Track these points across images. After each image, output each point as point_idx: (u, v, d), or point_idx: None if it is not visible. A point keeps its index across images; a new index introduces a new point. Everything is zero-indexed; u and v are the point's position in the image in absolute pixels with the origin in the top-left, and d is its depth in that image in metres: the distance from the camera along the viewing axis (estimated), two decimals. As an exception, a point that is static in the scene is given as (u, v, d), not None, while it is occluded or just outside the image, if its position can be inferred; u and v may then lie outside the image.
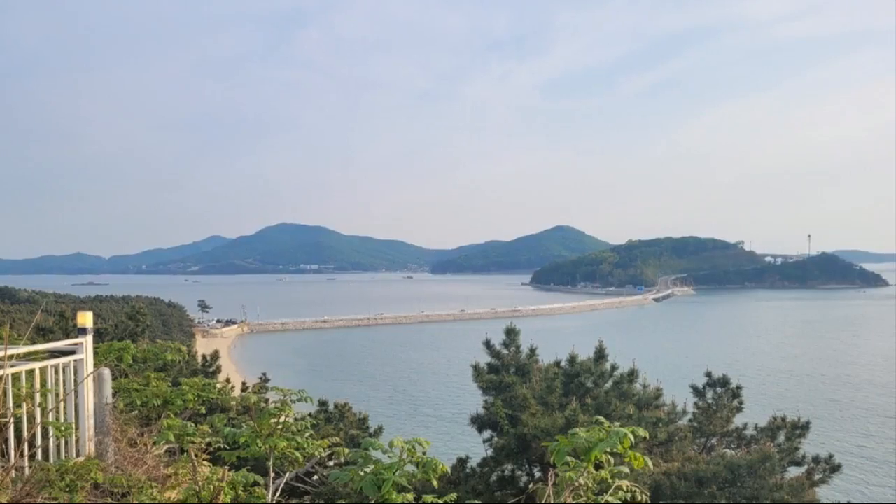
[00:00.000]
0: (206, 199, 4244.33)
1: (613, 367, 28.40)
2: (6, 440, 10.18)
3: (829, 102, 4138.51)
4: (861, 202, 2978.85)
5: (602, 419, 8.62)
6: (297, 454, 11.04)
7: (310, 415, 29.81)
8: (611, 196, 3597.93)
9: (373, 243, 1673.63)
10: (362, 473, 8.50)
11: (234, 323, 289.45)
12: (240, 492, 9.87)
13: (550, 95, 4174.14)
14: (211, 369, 41.66)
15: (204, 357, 43.59)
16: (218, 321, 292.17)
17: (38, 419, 10.81)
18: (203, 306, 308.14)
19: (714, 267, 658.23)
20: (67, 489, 9.31)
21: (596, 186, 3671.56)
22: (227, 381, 39.05)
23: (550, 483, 8.49)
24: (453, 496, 9.05)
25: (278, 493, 11.98)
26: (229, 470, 10.13)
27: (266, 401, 14.52)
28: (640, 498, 8.40)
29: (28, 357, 11.33)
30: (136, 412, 15.11)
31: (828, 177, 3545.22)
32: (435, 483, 8.87)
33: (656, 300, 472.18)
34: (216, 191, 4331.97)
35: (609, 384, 27.98)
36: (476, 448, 28.50)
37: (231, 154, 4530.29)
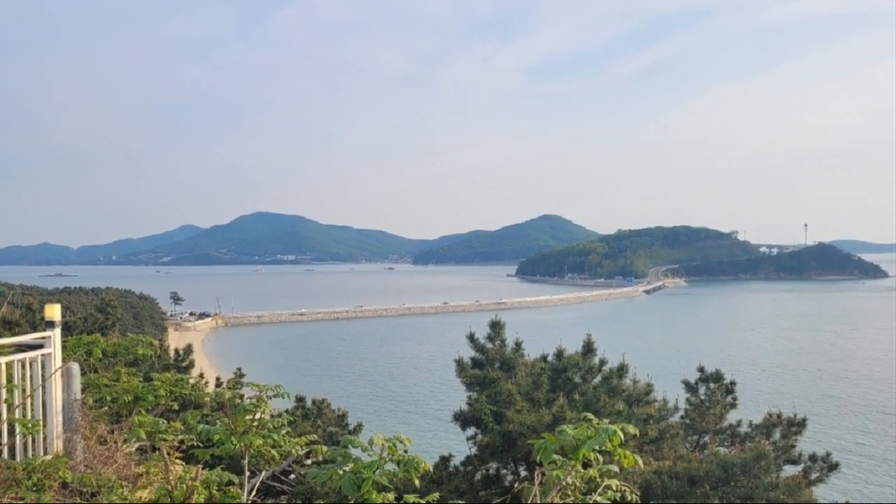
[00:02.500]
0: (179, 187, 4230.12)
1: (602, 362, 28.43)
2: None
3: (827, 86, 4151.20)
4: (859, 190, 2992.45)
5: (590, 416, 8.64)
6: (274, 452, 11.02)
7: (286, 411, 29.70)
8: (600, 184, 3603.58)
9: (352, 233, 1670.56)
10: (341, 472, 8.50)
11: (207, 316, 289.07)
12: (214, 491, 9.86)
13: (537, 79, 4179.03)
14: (184, 364, 41.59)
15: (177, 351, 43.51)
16: (191, 314, 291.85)
17: (4, 416, 10.80)
18: (176, 298, 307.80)
19: (707, 257, 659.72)
20: (35, 488, 9.30)
21: (584, 174, 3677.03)
22: (201, 376, 39.06)
23: (537, 482, 8.51)
24: (436, 496, 9.06)
25: (254, 493, 11.97)
26: (203, 469, 10.13)
27: (241, 397, 14.50)
28: (629, 497, 8.43)
29: (-7, 351, 11.31)
30: (106, 408, 15.08)
31: (825, 164, 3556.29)
32: (417, 482, 8.89)
33: (647, 292, 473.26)
34: (189, 178, 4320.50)
35: (598, 379, 28.02)
36: (459, 446, 28.53)
37: (204, 140, 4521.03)
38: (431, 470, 9.84)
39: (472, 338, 30.12)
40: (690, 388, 31.44)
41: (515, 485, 10.18)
